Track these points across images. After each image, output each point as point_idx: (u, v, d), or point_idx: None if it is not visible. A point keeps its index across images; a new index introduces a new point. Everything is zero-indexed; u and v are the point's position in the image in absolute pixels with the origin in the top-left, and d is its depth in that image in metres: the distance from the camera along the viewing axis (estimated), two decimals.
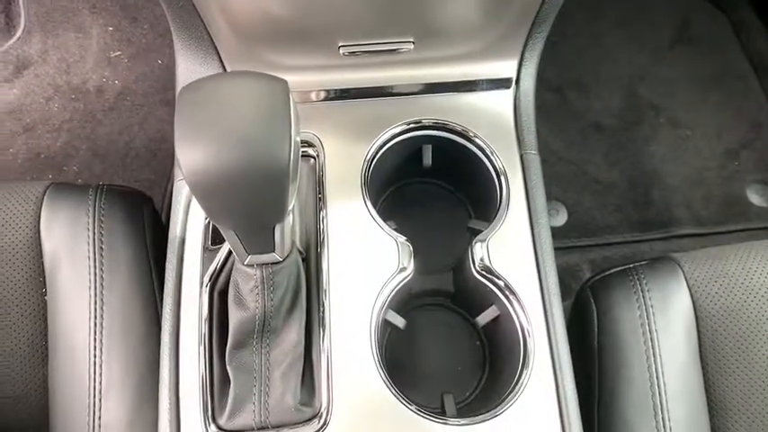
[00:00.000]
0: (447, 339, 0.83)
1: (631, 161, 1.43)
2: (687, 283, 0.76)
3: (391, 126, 0.80)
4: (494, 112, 0.82)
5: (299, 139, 0.49)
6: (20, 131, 1.40)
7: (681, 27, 1.59)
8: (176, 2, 0.68)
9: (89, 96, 1.45)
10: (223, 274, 0.69)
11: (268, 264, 0.60)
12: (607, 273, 0.81)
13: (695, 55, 1.56)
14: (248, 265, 0.60)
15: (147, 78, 1.46)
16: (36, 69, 1.47)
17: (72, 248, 0.74)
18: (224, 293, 0.68)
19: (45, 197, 0.77)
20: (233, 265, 0.64)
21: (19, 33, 1.51)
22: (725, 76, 1.54)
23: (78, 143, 1.40)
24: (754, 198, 1.41)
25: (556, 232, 1.34)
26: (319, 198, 0.75)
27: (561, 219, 1.36)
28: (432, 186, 0.92)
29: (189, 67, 0.78)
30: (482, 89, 0.82)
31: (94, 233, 0.75)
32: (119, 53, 1.50)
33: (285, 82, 0.48)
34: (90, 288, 0.73)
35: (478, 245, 0.74)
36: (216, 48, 0.75)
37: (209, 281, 0.69)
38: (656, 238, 1.36)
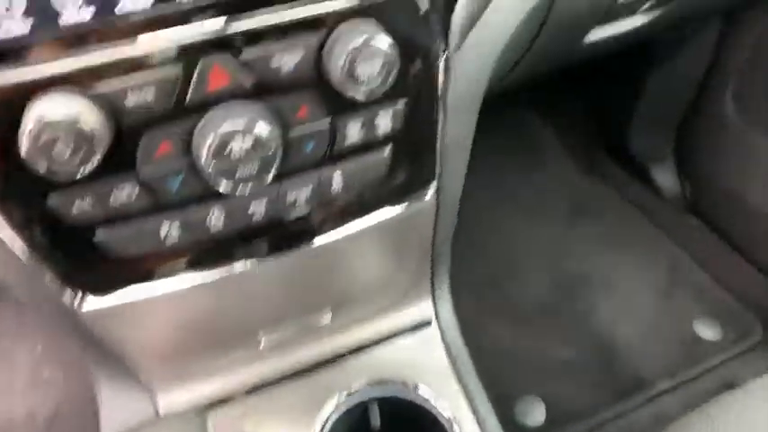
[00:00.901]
0: None
1: (583, 334, 1.44)
2: None
3: (329, 400, 0.77)
4: (425, 352, 0.83)
5: None
6: None
7: (573, 199, 1.77)
8: (92, 342, 0.67)
9: (18, 428, 1.34)
10: None
11: None
12: None
13: (595, 220, 1.71)
14: None
15: (78, 398, 1.39)
16: None
17: None
18: None
19: None
20: None
21: None
22: (628, 231, 1.67)
23: None
24: (705, 333, 1.43)
25: (542, 430, 1.27)
26: None
27: (540, 415, 1.28)
28: None
29: (111, 395, 0.75)
30: (407, 334, 0.84)
31: None
32: (48, 375, 1.44)
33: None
34: None
35: None
36: (136, 373, 0.73)
37: None
38: (639, 405, 1.31)
